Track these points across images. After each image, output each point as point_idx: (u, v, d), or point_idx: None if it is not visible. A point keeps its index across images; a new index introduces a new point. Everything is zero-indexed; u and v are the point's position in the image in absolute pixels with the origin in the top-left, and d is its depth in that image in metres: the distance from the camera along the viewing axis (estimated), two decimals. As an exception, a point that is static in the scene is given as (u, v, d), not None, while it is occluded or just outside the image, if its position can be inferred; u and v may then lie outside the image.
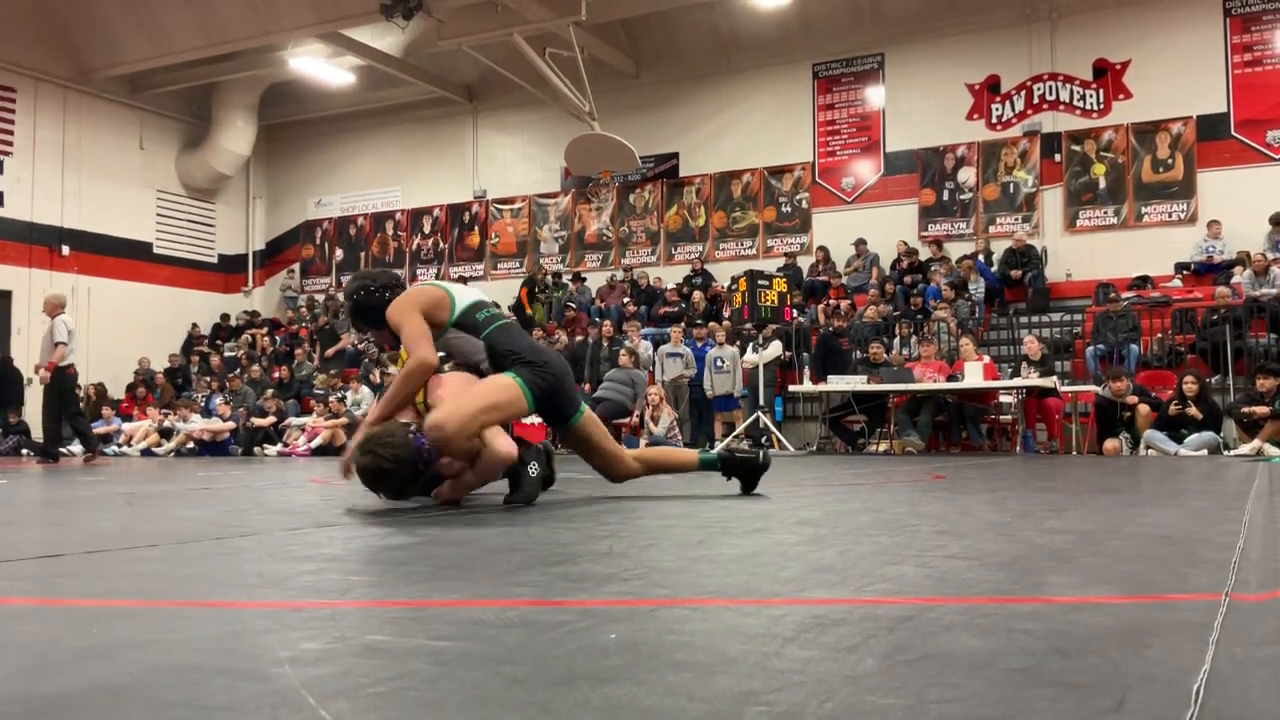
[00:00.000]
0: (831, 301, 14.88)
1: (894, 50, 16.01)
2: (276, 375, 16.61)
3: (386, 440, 3.51)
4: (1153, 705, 1.05)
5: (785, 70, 16.67)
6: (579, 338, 15.28)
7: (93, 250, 18.12)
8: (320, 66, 17.36)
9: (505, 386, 3.74)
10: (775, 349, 12.73)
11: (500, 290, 18.23)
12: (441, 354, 4.05)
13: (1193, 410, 9.90)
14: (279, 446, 14.36)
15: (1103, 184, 14.77)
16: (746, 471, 4.25)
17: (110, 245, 18.44)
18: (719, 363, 12.92)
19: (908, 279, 14.66)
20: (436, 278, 19.35)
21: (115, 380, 17.41)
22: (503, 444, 3.73)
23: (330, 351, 17.19)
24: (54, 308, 11.53)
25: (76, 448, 15.53)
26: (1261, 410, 9.64)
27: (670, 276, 16.99)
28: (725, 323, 13.94)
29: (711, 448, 12.47)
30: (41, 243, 17.48)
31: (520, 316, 16.33)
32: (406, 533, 2.87)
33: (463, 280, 18.59)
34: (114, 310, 18.04)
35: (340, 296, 3.94)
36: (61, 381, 11.30)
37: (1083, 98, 14.95)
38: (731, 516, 3.28)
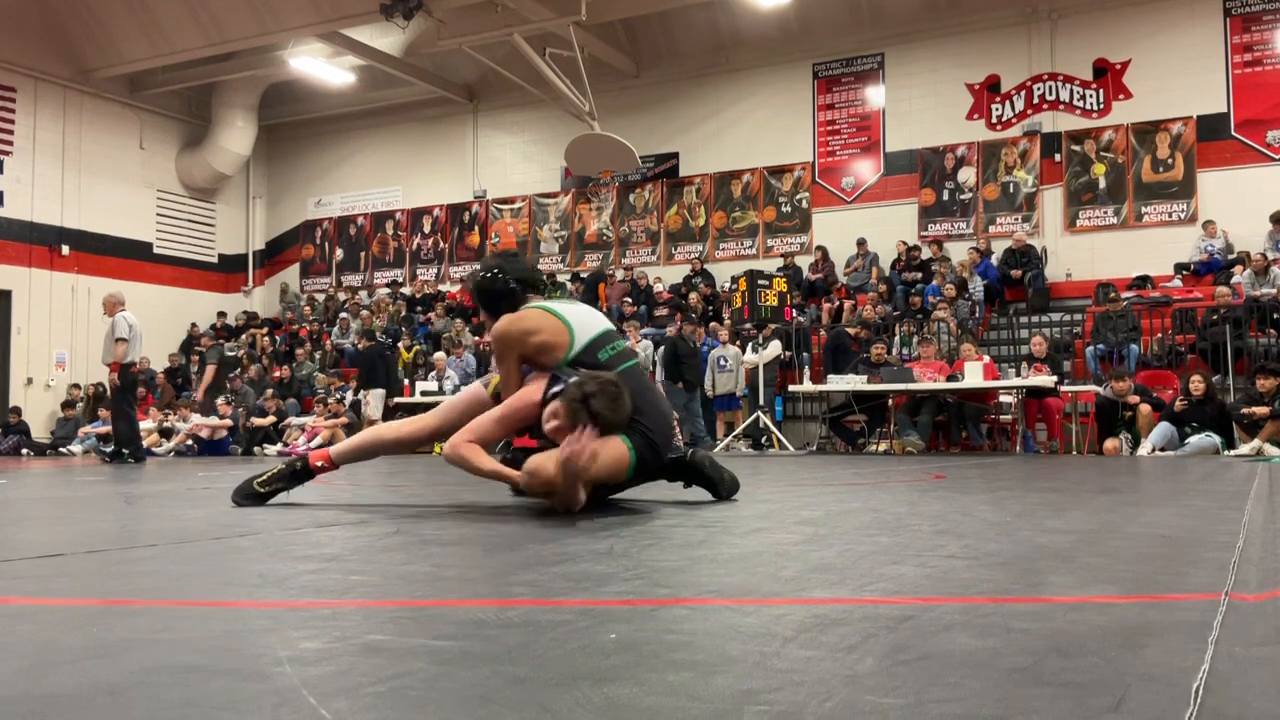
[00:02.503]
0: (835, 301, 14.88)
1: (894, 50, 16.01)
2: (276, 375, 16.62)
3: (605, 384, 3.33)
4: (1152, 705, 1.05)
5: (785, 70, 16.67)
6: None
7: (93, 250, 18.13)
8: (320, 66, 17.36)
9: (619, 459, 3.38)
10: (775, 349, 12.73)
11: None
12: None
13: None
14: (279, 446, 14.36)
15: (1103, 184, 14.77)
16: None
17: (110, 245, 18.45)
18: (722, 362, 12.92)
19: (907, 278, 14.66)
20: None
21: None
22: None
23: (203, 389, 16.43)
24: (112, 306, 11.07)
25: (76, 447, 15.55)
26: (1261, 410, 9.65)
27: (670, 276, 16.99)
28: (726, 322, 13.94)
29: (711, 448, 12.48)
30: (41, 242, 17.49)
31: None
32: (407, 532, 2.87)
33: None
34: (114, 310, 18.04)
35: (472, 272, 3.96)
36: (123, 378, 10.94)
37: (1083, 97, 14.95)
38: (731, 516, 3.28)
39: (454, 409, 3.85)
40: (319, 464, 3.79)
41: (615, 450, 3.37)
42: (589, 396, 3.28)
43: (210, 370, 16.02)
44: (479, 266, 4.03)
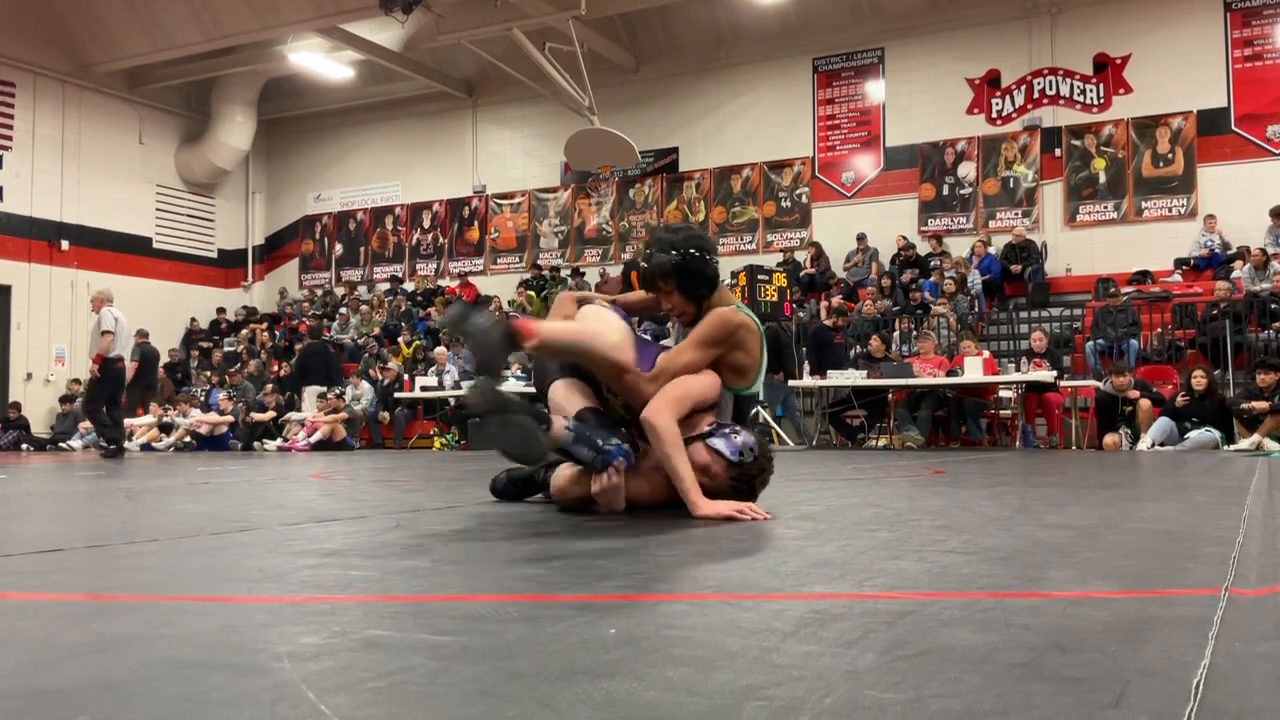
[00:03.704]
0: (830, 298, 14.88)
1: (894, 44, 15.99)
2: (276, 370, 16.62)
3: None
4: (1152, 700, 1.05)
5: (785, 64, 16.65)
6: None
7: (92, 245, 18.12)
8: (320, 61, 17.35)
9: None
10: (775, 344, 12.73)
11: (499, 285, 18.24)
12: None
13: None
14: (279, 441, 14.36)
15: (1103, 179, 14.76)
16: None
17: (110, 240, 18.45)
18: None
19: (907, 274, 14.66)
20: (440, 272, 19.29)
21: (115, 375, 17.38)
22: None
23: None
24: (100, 302, 11.27)
25: (75, 442, 15.56)
26: (1261, 405, 9.65)
27: (670, 271, 16.95)
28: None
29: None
30: (41, 237, 17.48)
31: None
32: (406, 528, 2.87)
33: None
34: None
35: (648, 243, 3.19)
36: (108, 373, 11.03)
37: (1083, 92, 14.93)
38: (731, 511, 3.28)
39: (627, 340, 3.29)
40: (529, 343, 3.11)
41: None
42: (760, 479, 3.20)
43: (132, 367, 15.31)
44: (676, 238, 3.41)
